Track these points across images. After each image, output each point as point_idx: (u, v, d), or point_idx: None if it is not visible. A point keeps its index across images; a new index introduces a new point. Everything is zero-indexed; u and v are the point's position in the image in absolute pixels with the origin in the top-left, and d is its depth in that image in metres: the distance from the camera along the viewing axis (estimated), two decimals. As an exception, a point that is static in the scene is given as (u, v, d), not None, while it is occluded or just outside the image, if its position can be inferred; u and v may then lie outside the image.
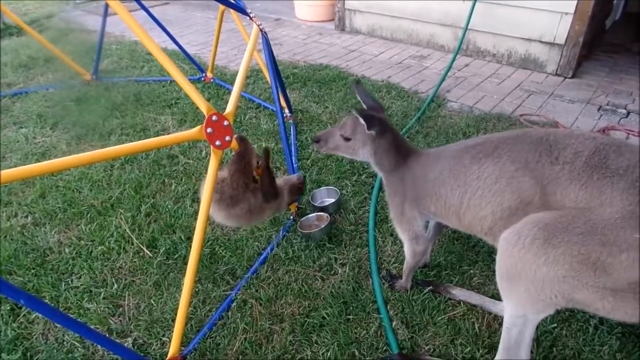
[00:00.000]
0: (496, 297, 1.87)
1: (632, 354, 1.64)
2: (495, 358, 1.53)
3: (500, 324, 1.76)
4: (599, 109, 3.44)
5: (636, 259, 1.16)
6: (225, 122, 1.68)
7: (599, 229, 1.21)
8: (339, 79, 3.98)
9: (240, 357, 1.70)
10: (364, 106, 1.82)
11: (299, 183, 2.20)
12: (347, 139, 1.80)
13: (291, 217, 2.37)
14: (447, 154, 1.66)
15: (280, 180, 2.13)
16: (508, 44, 4.27)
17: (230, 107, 1.80)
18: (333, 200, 2.43)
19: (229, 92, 1.99)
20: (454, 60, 3.92)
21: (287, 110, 3.26)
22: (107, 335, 1.78)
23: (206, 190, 1.70)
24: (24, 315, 1.87)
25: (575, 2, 3.68)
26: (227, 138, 1.71)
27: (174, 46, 3.97)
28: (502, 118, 3.28)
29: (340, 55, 4.63)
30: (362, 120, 1.67)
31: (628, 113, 3.36)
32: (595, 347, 1.67)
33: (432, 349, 1.70)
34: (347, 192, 2.55)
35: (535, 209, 1.35)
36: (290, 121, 3.24)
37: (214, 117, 1.65)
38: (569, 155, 1.32)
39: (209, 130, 1.64)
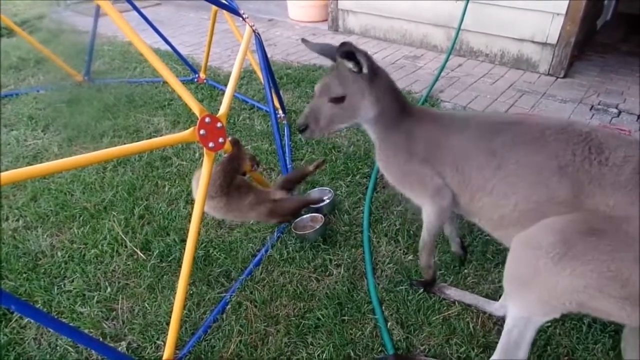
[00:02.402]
0: (490, 296, 1.88)
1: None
2: (492, 357, 1.53)
3: (495, 323, 1.78)
4: (590, 109, 3.46)
5: None
6: (219, 124, 1.68)
7: (634, 243, 1.12)
8: (333, 80, 3.97)
9: (236, 359, 1.70)
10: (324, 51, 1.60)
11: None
12: (341, 99, 1.49)
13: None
14: (473, 124, 1.45)
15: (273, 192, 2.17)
16: (500, 44, 4.29)
17: (223, 109, 1.79)
18: (327, 200, 2.43)
19: (222, 93, 1.99)
20: (447, 60, 3.93)
21: (280, 111, 3.26)
22: (100, 339, 1.77)
23: (200, 193, 1.70)
24: (16, 320, 1.85)
25: (567, 2, 3.71)
26: (221, 140, 1.70)
27: (166, 47, 3.95)
28: (495, 118, 3.29)
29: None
30: (348, 63, 1.42)
31: (619, 112, 3.39)
32: (589, 346, 1.68)
33: (427, 349, 1.71)
34: (342, 192, 2.55)
35: (563, 209, 1.25)
36: (284, 122, 3.24)
37: (207, 119, 1.65)
38: (619, 159, 1.21)
39: (202, 132, 1.64)
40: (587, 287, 1.16)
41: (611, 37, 4.98)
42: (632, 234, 1.13)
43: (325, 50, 1.61)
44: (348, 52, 1.39)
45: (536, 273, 1.23)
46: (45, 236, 2.28)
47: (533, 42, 4.06)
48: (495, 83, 3.98)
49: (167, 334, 1.64)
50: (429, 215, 1.61)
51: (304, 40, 1.66)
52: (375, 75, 1.48)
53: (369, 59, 1.44)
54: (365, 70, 1.44)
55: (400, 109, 1.56)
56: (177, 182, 2.67)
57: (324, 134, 1.63)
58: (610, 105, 3.49)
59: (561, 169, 1.24)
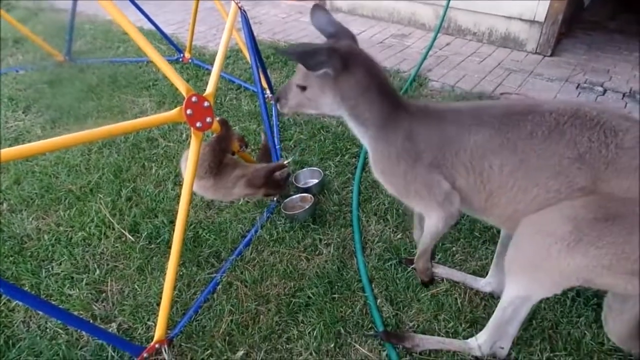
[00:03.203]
0: (477, 273, 1.91)
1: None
2: (482, 332, 1.57)
3: (482, 299, 1.81)
4: (577, 87, 3.49)
5: None
6: (206, 103, 1.65)
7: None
8: (321, 59, 3.92)
9: (227, 338, 1.71)
10: (323, 37, 1.41)
11: (280, 177, 2.10)
12: (303, 88, 1.39)
13: (274, 198, 2.36)
14: (485, 118, 1.33)
15: (259, 167, 2.13)
16: (489, 22, 4.27)
17: (210, 88, 1.76)
18: (316, 181, 2.43)
19: (208, 73, 1.95)
20: (434, 39, 3.90)
21: (268, 91, 3.21)
22: (91, 321, 1.76)
23: (188, 174, 1.68)
24: (4, 303, 1.84)
25: (555, -21, 3.69)
26: (208, 119, 1.68)
27: (150, 26, 3.84)
28: (483, 97, 3.30)
29: (320, 35, 4.55)
30: (297, 60, 1.30)
31: (605, 91, 3.42)
32: (573, 319, 1.73)
33: (416, 325, 1.74)
34: (331, 172, 2.55)
35: (580, 194, 1.21)
36: (272, 102, 3.20)
37: (194, 99, 1.62)
38: (631, 140, 1.18)
39: (188, 111, 1.61)
40: (597, 267, 1.18)
41: (599, 14, 4.99)
42: (636, 214, 1.13)
43: (325, 30, 1.47)
44: (302, 52, 1.25)
45: (547, 257, 1.23)
46: (30, 219, 2.25)
47: (521, 19, 4.05)
48: (483, 62, 3.98)
49: (157, 315, 1.65)
50: (436, 223, 1.47)
51: (315, 6, 1.49)
52: (346, 71, 1.30)
53: (332, 56, 1.27)
54: (328, 70, 1.29)
55: (392, 107, 1.39)
56: (164, 163, 2.64)
57: (294, 112, 1.55)
58: (596, 83, 3.52)
59: (581, 157, 1.20)
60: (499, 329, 1.51)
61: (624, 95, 3.34)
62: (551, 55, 4.03)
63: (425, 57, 3.79)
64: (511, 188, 1.29)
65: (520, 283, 1.35)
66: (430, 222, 1.49)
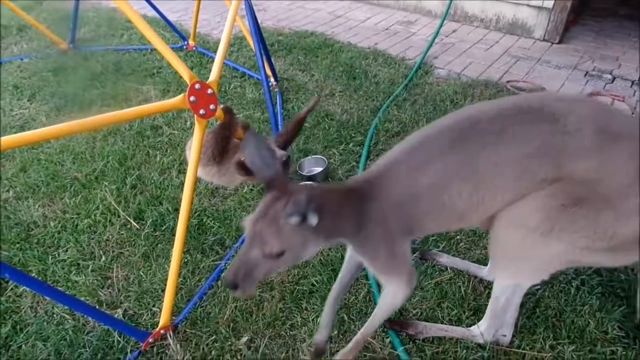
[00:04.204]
0: (481, 261, 1.91)
1: (611, 312, 1.70)
2: (482, 321, 1.58)
3: (486, 287, 1.81)
4: (585, 75, 3.44)
5: None
6: (209, 90, 1.65)
7: (613, 203, 1.17)
8: (325, 47, 3.90)
9: (231, 324, 1.72)
10: (257, 170, 1.17)
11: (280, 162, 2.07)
12: (279, 255, 1.12)
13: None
14: (431, 150, 1.26)
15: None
16: (496, 8, 4.20)
17: (213, 75, 1.75)
18: (321, 169, 2.42)
19: (212, 61, 1.94)
20: (441, 26, 3.85)
21: (272, 79, 3.20)
22: (97, 307, 1.78)
23: (192, 162, 1.68)
24: (12, 289, 1.86)
25: (564, -36, 3.62)
26: (212, 107, 1.67)
27: (153, 13, 3.82)
28: (489, 84, 3.26)
29: (326, 21, 4.52)
30: (292, 219, 1.07)
31: (613, 78, 3.37)
32: (577, 307, 1.72)
33: (419, 313, 1.74)
34: (335, 160, 2.54)
35: (547, 184, 1.21)
36: (276, 90, 3.19)
37: (197, 85, 1.61)
38: (575, 123, 1.18)
39: (192, 98, 1.61)
40: (575, 250, 1.23)
41: (609, 0, 4.90)
42: (607, 195, 1.17)
43: (258, 164, 1.17)
44: (298, 212, 1.07)
45: (524, 248, 1.26)
46: (36, 206, 2.27)
47: (529, 6, 3.99)
48: (490, 49, 3.93)
49: (162, 301, 1.67)
50: (397, 297, 1.40)
51: (248, 131, 1.30)
52: (320, 211, 1.10)
53: (317, 204, 1.08)
54: (312, 221, 1.10)
55: (360, 211, 1.26)
56: (168, 151, 2.64)
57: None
58: (605, 71, 3.47)
59: (535, 151, 1.20)
60: (497, 318, 1.54)
61: (632, 82, 3.30)
62: (559, 43, 3.98)
63: (431, 45, 3.75)
64: (478, 205, 1.27)
65: (505, 273, 1.40)
66: (391, 295, 1.41)
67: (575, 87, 3.26)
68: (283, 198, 1.09)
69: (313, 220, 1.09)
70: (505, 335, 1.58)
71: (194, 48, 3.86)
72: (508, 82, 3.30)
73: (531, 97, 1.34)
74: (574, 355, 1.58)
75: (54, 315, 1.76)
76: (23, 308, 1.79)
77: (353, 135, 2.73)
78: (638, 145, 1.17)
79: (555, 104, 1.25)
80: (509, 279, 1.41)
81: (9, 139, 1.26)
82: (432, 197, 1.27)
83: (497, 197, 1.26)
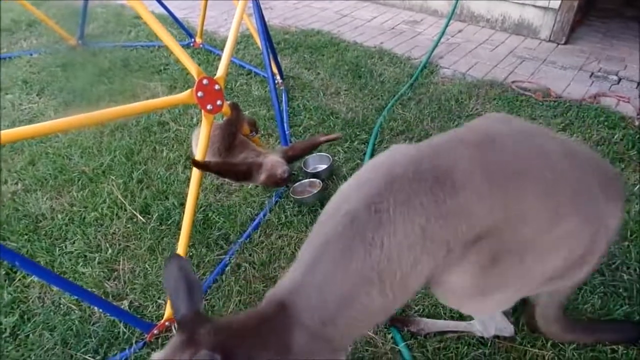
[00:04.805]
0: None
1: (613, 312, 1.71)
2: (475, 322, 1.63)
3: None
4: (590, 76, 3.44)
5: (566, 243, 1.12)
6: (216, 86, 1.67)
7: (533, 243, 1.11)
8: (331, 45, 3.92)
9: (235, 317, 1.75)
10: (173, 302, 1.05)
11: (279, 178, 2.00)
12: None
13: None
14: (330, 257, 1.09)
15: (264, 158, 2.07)
16: (502, 8, 4.20)
17: (221, 71, 1.78)
18: (325, 166, 2.44)
19: (219, 58, 1.96)
20: (447, 25, 3.85)
21: (278, 77, 3.22)
22: (103, 298, 1.81)
23: (198, 157, 1.71)
24: (20, 279, 1.89)
25: (572, -35, 3.62)
26: (219, 102, 1.70)
27: (160, 10, 3.85)
28: (494, 84, 3.27)
29: (332, 20, 4.54)
30: None
31: (619, 79, 3.36)
32: (579, 306, 1.73)
33: (421, 309, 1.76)
34: (340, 158, 2.56)
35: (466, 246, 1.11)
36: (282, 88, 3.21)
37: (205, 81, 1.64)
38: (461, 178, 1.07)
39: (199, 94, 1.63)
40: (514, 294, 1.26)
41: (615, 1, 4.88)
42: (524, 238, 1.10)
43: (179, 299, 1.04)
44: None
45: (468, 306, 1.32)
46: (44, 199, 2.30)
47: (535, 6, 3.98)
48: (496, 49, 3.93)
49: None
50: None
51: (172, 259, 1.11)
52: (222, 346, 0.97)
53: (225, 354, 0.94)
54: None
55: (280, 346, 1.08)
56: (175, 147, 2.67)
57: None
58: (611, 72, 3.46)
59: (431, 226, 1.06)
60: (486, 325, 1.59)
61: (638, 84, 3.29)
62: (565, 43, 3.97)
63: (436, 44, 3.75)
64: (395, 297, 1.12)
65: (471, 313, 1.48)
66: None
67: (580, 87, 3.26)
68: (188, 349, 0.95)
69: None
70: (505, 327, 1.59)
71: (201, 45, 3.88)
72: (513, 82, 3.31)
73: (398, 158, 1.15)
74: (574, 354, 1.59)
75: (61, 306, 1.79)
76: (31, 298, 1.83)
77: (358, 133, 2.75)
78: (539, 175, 1.09)
79: (433, 159, 1.11)
80: (478, 315, 1.50)
81: (15, 131, 1.29)
82: (345, 310, 1.10)
83: (409, 284, 1.13)
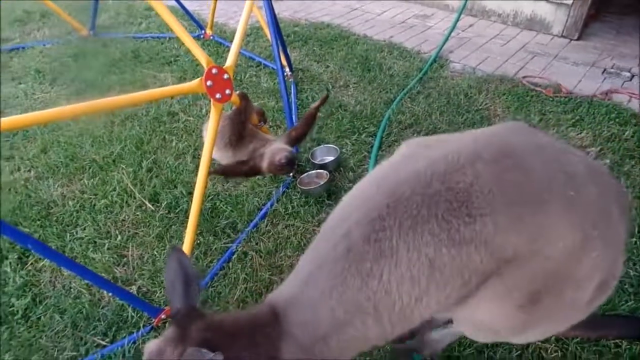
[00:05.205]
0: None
1: (618, 307, 1.70)
2: None
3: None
4: (603, 72, 3.40)
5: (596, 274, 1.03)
6: (225, 75, 1.69)
7: (568, 275, 1.00)
8: (341, 38, 3.91)
9: (241, 304, 1.77)
10: (170, 295, 1.03)
11: (278, 163, 1.99)
12: None
13: (291, 174, 2.40)
14: (328, 272, 1.02)
15: (268, 146, 2.08)
16: (514, 3, 4.17)
17: (230, 60, 1.79)
18: (333, 158, 2.45)
19: (229, 50, 1.97)
20: (457, 20, 3.83)
21: (287, 69, 3.23)
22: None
23: (207, 146, 1.73)
24: (32, 263, 1.94)
25: (586, -41, 3.57)
26: (227, 91, 1.71)
27: (172, 2, 3.86)
28: (504, 79, 3.25)
29: (342, 14, 4.53)
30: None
31: (632, 76, 3.33)
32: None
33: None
34: (347, 150, 2.57)
35: (488, 276, 1.00)
36: (291, 80, 3.22)
37: (214, 70, 1.66)
38: (477, 201, 0.96)
39: (208, 83, 1.65)
40: (564, 323, 1.15)
41: (630, -2, 4.81)
42: (557, 270, 0.99)
43: (175, 292, 1.02)
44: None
45: (502, 337, 1.17)
46: (56, 186, 2.34)
47: (548, 1, 3.94)
48: (507, 44, 3.90)
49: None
50: None
51: (173, 253, 1.07)
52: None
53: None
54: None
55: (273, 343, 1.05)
56: (184, 137, 2.70)
57: None
58: (624, 69, 3.43)
59: (444, 253, 0.96)
60: None
61: (651, 81, 3.25)
62: (578, 39, 3.93)
63: (447, 39, 3.73)
64: (393, 328, 1.03)
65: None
66: None
67: (592, 84, 3.23)
68: (179, 345, 0.94)
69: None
70: None
71: (211, 37, 3.90)
72: (524, 77, 3.28)
73: (425, 175, 1.02)
74: (578, 348, 1.59)
75: (71, 290, 1.83)
76: (42, 282, 1.87)
77: (366, 126, 2.75)
78: (566, 201, 0.98)
79: (448, 179, 0.99)
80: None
81: (26, 117, 1.31)
82: (338, 334, 1.03)
83: (412, 316, 1.02)
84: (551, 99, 3.00)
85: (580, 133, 2.66)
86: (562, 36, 4.00)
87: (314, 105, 2.22)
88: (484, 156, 1.01)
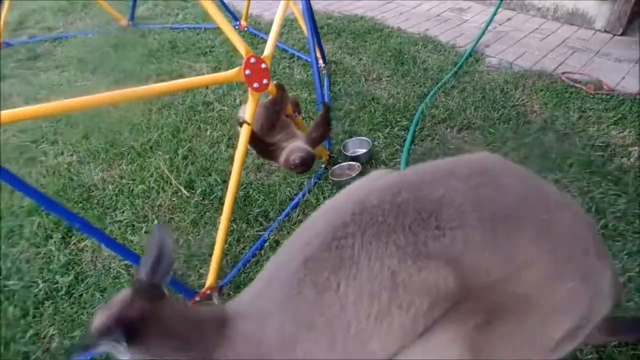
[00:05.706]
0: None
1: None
2: None
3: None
4: (647, 69, 3.27)
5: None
6: (263, 65, 1.71)
7: (535, 303, 0.91)
8: (374, 31, 3.89)
9: (272, 291, 1.80)
10: (141, 266, 1.01)
11: (291, 163, 1.93)
12: None
13: (322, 165, 2.41)
14: (273, 290, 0.99)
15: (291, 142, 2.03)
16: (555, -3, 4.04)
17: (267, 50, 1.82)
18: (365, 150, 2.46)
19: (264, 42, 2.00)
20: (495, 13, 3.74)
21: (321, 61, 3.24)
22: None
23: (242, 136, 1.75)
24: (74, 243, 2.03)
25: (634, -49, 3.43)
26: (265, 81, 1.74)
27: (208, -7, 3.93)
28: (542, 75, 3.16)
29: (376, 6, 4.50)
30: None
31: (679, 74, 3.18)
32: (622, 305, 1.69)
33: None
34: (379, 143, 2.56)
35: (451, 301, 0.91)
36: (324, 72, 3.22)
37: (252, 60, 1.68)
38: (451, 216, 0.90)
39: (247, 72, 1.68)
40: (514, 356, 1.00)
41: (680, -8, 4.59)
42: (524, 295, 0.91)
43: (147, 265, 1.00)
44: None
45: None
46: (97, 171, 2.43)
47: (591, -5, 3.81)
48: (546, 39, 3.79)
49: (209, 265, 1.76)
50: None
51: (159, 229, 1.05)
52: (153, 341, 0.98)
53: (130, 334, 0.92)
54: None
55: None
56: (218, 126, 2.75)
57: None
58: (670, 66, 3.28)
59: (409, 266, 0.89)
60: None
61: (700, 79, 3.11)
62: (622, 35, 3.78)
63: (483, 32, 3.66)
64: (348, 355, 0.95)
65: None
66: None
67: (635, 82, 3.10)
68: (112, 315, 0.93)
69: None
70: None
71: (245, 28, 3.94)
72: (563, 73, 3.19)
73: (396, 185, 0.98)
74: (614, 351, 1.55)
75: (111, 270, 1.91)
76: (84, 261, 1.95)
77: (399, 119, 2.74)
78: (539, 222, 0.92)
79: (417, 192, 0.94)
80: None
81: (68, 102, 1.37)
82: (285, 352, 0.97)
83: (370, 344, 0.92)
84: (592, 96, 2.90)
85: (623, 132, 2.57)
86: (605, 31, 3.85)
87: (321, 113, 2.13)
88: (458, 172, 0.98)
